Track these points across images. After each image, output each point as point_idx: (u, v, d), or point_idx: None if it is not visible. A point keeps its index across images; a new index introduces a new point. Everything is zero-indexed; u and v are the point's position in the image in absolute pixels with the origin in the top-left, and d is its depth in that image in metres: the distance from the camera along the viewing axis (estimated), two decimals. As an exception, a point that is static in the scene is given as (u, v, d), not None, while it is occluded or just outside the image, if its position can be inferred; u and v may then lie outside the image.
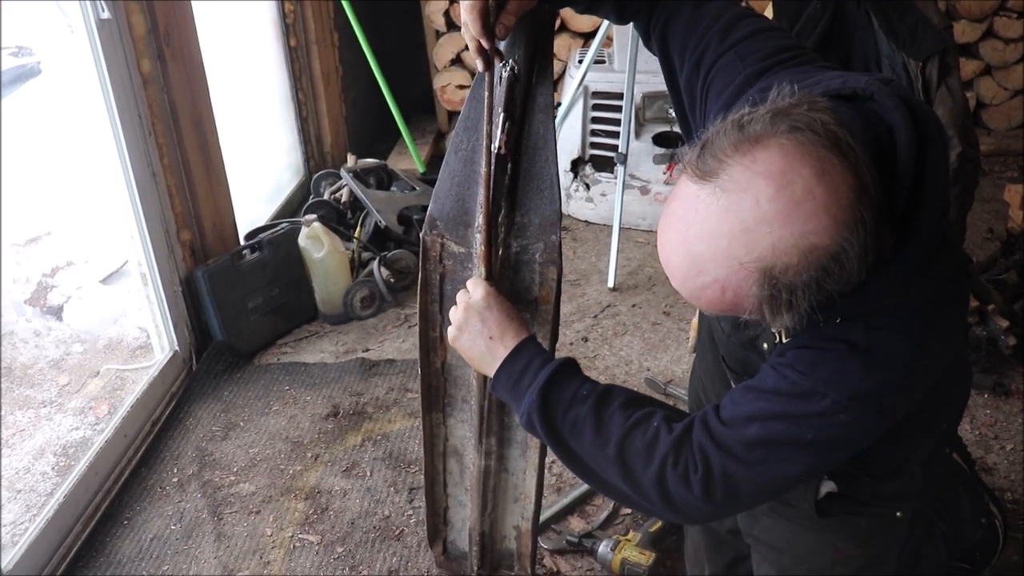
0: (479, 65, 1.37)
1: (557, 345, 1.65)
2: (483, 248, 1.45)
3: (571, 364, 1.32)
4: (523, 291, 1.53)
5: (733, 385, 1.45)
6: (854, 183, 0.96)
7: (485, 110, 1.42)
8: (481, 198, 1.44)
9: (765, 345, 1.29)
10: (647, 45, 1.40)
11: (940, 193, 1.05)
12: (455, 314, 1.38)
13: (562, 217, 1.48)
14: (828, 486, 1.41)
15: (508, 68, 1.37)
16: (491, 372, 1.34)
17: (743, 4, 1.37)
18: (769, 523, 1.53)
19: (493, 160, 1.41)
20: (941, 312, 1.13)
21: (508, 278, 1.52)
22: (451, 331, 1.38)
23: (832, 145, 0.97)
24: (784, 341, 1.20)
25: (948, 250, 1.14)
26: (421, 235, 1.56)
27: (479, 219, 1.47)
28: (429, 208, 1.53)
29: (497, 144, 1.39)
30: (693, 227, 1.00)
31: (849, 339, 1.10)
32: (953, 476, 1.77)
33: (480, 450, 1.70)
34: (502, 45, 1.38)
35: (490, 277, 1.44)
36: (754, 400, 1.16)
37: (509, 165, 1.44)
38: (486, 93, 1.41)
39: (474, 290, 1.38)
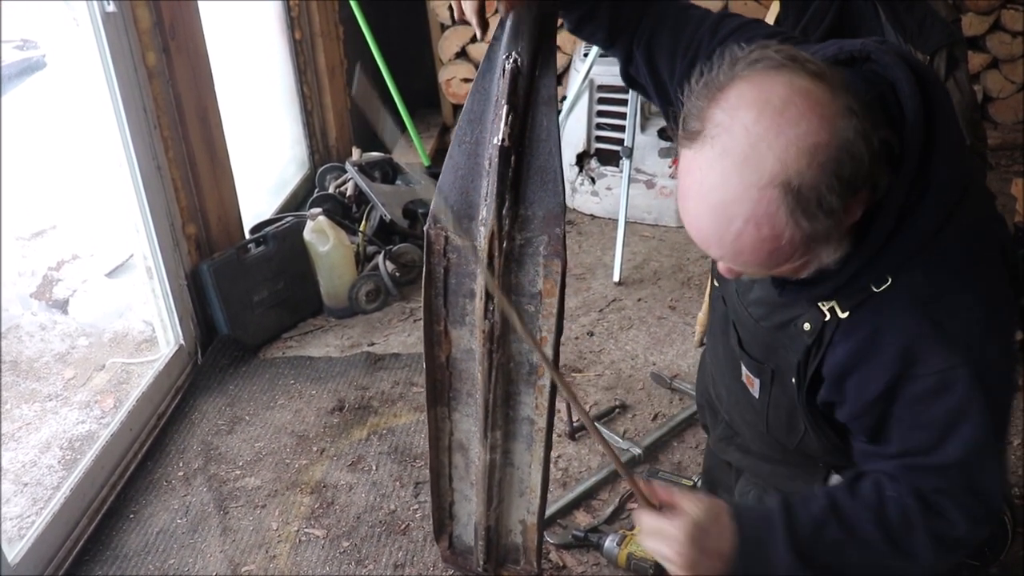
0: (478, 31, 1.39)
1: (562, 340, 1.65)
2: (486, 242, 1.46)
3: (786, 504, 1.23)
4: (527, 284, 1.53)
5: (747, 376, 1.43)
6: (825, 84, 1.00)
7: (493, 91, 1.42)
8: (484, 191, 1.45)
9: (807, 325, 1.24)
10: (628, 70, 1.43)
11: (953, 138, 1.08)
12: (675, 558, 1.21)
13: (566, 210, 1.48)
14: (837, 479, 1.41)
15: (511, 60, 1.37)
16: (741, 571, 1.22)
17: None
18: None
19: (497, 152, 1.41)
20: (979, 247, 1.14)
21: (512, 271, 1.52)
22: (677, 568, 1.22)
23: (790, 60, 1.01)
24: (838, 317, 1.18)
25: (975, 194, 1.15)
26: (425, 228, 1.56)
27: (483, 212, 1.47)
28: (433, 202, 1.53)
29: (501, 136, 1.39)
30: (704, 184, 1.03)
31: (919, 299, 1.11)
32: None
33: (485, 444, 1.70)
34: (505, 38, 1.38)
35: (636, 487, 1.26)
36: (926, 412, 1.14)
37: (513, 157, 1.43)
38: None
39: (673, 532, 1.20)
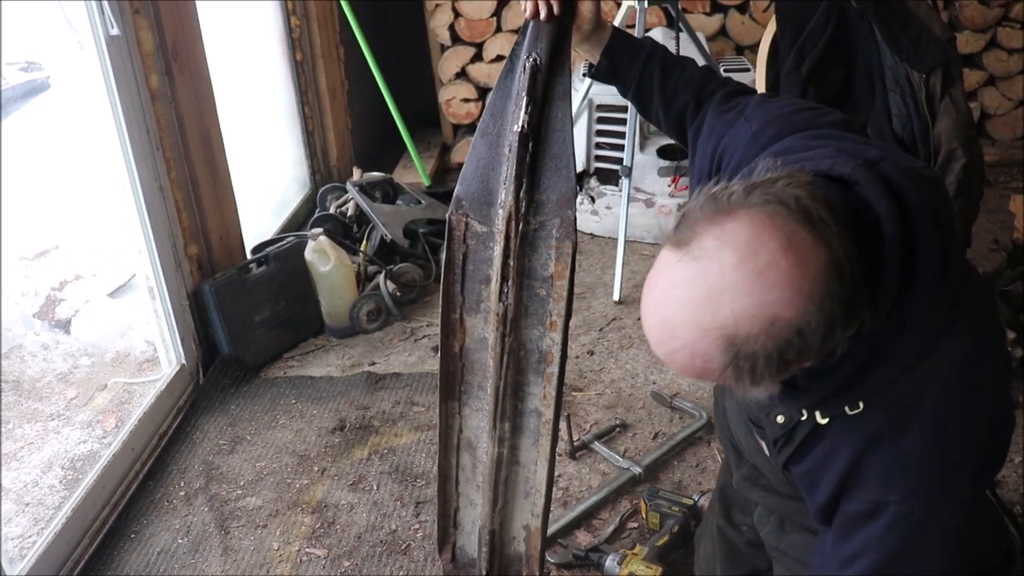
0: (528, 11, 1.53)
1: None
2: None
3: None
4: (539, 268, 1.62)
5: (756, 436, 1.47)
6: (825, 258, 0.98)
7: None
8: (503, 175, 1.57)
9: (780, 418, 1.30)
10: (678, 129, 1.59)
11: (936, 274, 1.06)
12: None
13: (577, 195, 1.60)
14: None
15: (531, 59, 1.53)
16: None
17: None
18: (799, 539, 1.54)
19: (517, 139, 1.54)
20: (960, 382, 1.14)
21: (526, 254, 1.61)
22: None
23: (803, 219, 0.99)
24: (815, 421, 1.22)
25: (968, 317, 1.15)
26: (447, 215, 1.65)
27: (501, 195, 1.58)
28: (456, 189, 1.64)
29: (520, 124, 1.53)
30: (666, 292, 1.04)
31: (873, 436, 1.15)
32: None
33: (494, 436, 1.73)
34: (526, 41, 1.56)
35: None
36: (852, 530, 1.21)
37: (531, 144, 1.56)
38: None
39: None
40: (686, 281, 1.01)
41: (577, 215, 1.61)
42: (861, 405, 1.15)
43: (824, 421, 1.20)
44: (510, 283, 1.62)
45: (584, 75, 3.80)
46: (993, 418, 1.18)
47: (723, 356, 1.01)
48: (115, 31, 2.47)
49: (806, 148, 1.18)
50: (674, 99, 1.55)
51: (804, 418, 1.24)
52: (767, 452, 1.43)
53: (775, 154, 1.19)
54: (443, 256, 1.68)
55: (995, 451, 1.21)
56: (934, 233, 1.05)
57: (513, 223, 1.57)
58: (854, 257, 1.00)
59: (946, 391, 1.12)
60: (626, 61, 1.58)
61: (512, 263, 1.60)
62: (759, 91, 2.46)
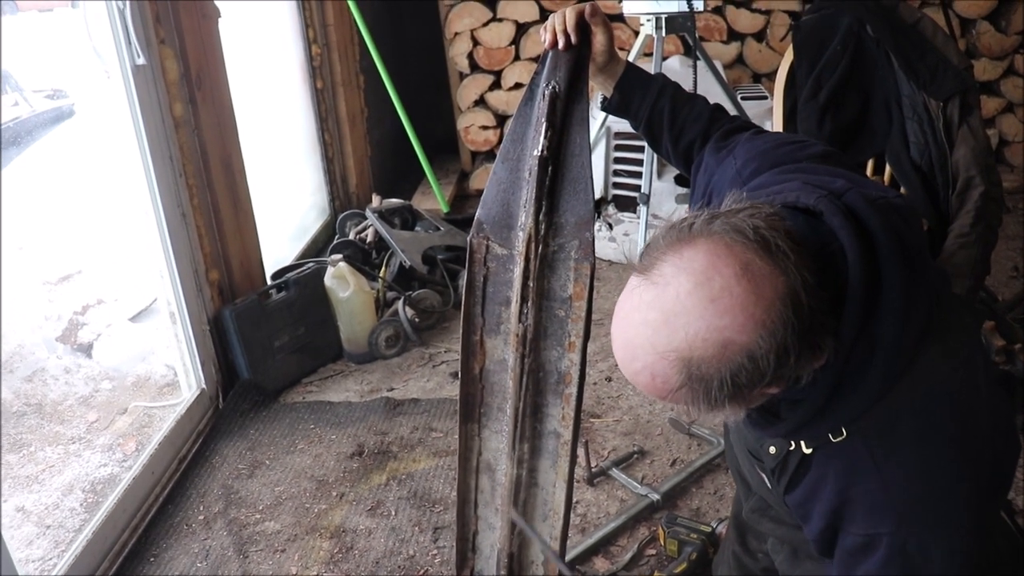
0: (547, 41, 1.60)
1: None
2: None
3: None
4: (559, 289, 1.65)
5: (757, 468, 1.48)
6: (781, 286, 1.00)
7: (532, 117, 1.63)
8: (523, 198, 1.61)
9: (772, 449, 1.33)
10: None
11: (901, 301, 1.07)
12: None
13: (595, 218, 1.61)
14: None
15: (550, 87, 1.58)
16: None
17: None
18: (812, 567, 1.53)
19: (537, 163, 1.59)
20: (942, 407, 1.14)
21: (545, 276, 1.64)
22: None
23: (761, 248, 1.02)
24: (804, 451, 1.24)
25: (945, 342, 1.15)
26: (468, 238, 1.69)
27: (521, 218, 1.62)
28: (477, 213, 1.68)
29: (540, 148, 1.58)
30: (628, 316, 1.08)
31: (857, 467, 1.16)
32: (992, 527, 1.75)
33: (513, 458, 1.74)
34: (545, 70, 1.61)
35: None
36: (853, 566, 1.21)
37: (550, 167, 1.60)
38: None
39: None
40: (645, 305, 1.05)
41: (595, 242, 1.63)
42: (844, 432, 1.16)
43: (808, 451, 1.22)
44: (530, 304, 1.65)
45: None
46: (984, 438, 1.17)
47: (678, 377, 1.04)
48: (141, 60, 2.51)
49: (778, 182, 1.22)
50: (682, 134, 1.59)
51: (792, 448, 1.26)
52: (768, 484, 1.44)
53: (751, 189, 1.24)
54: (463, 280, 1.72)
55: (997, 471, 1.20)
56: (899, 260, 1.06)
57: (533, 245, 1.61)
58: (813, 286, 1.02)
59: (926, 416, 1.13)
60: (638, 96, 1.62)
61: (532, 284, 1.63)
62: (776, 119, 2.48)
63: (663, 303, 1.03)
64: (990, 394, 1.21)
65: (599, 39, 1.59)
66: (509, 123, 1.68)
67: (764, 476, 1.45)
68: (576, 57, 1.61)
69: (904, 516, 1.14)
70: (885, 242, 1.06)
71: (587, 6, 1.58)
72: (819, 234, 1.07)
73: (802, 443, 1.23)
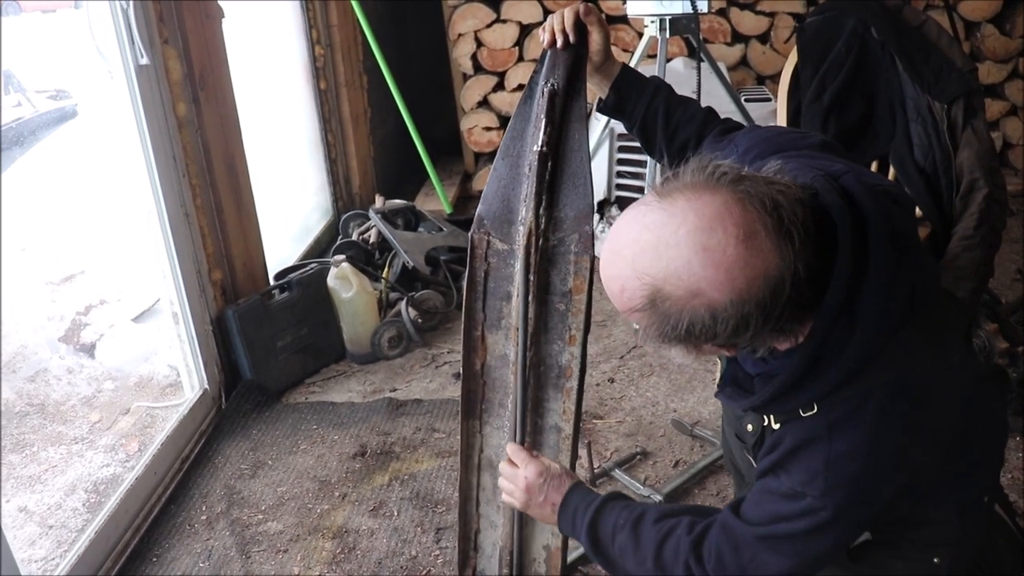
0: (546, 41, 1.63)
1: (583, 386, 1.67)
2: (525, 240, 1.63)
3: (611, 499, 1.44)
4: (559, 283, 1.67)
5: (746, 452, 1.51)
6: (772, 267, 1.03)
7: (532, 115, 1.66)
8: (524, 193, 1.64)
9: (750, 427, 1.39)
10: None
11: (887, 283, 1.09)
12: (516, 493, 1.54)
13: (594, 212, 1.67)
14: (862, 536, 1.41)
15: (549, 84, 1.61)
16: (557, 525, 1.52)
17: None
18: None
19: (536, 158, 1.62)
20: (908, 394, 1.15)
21: (545, 270, 1.66)
22: (517, 504, 1.56)
23: (772, 225, 1.03)
24: (773, 426, 1.27)
25: (928, 333, 1.17)
26: (469, 233, 1.71)
27: (522, 212, 1.64)
28: (478, 209, 1.71)
29: (540, 144, 1.60)
30: (628, 226, 1.12)
31: (813, 435, 1.17)
32: (994, 528, 1.74)
33: None
34: (544, 69, 1.64)
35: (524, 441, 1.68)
36: (766, 502, 1.24)
37: (549, 163, 1.62)
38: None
39: (525, 468, 1.53)
40: (646, 225, 1.09)
41: (598, 243, 1.64)
42: (815, 407, 1.17)
43: (777, 426, 1.25)
44: (531, 298, 1.66)
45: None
46: (944, 432, 1.20)
47: (642, 300, 1.09)
48: (144, 60, 2.51)
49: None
50: (677, 134, 1.61)
51: (765, 424, 1.30)
52: (755, 466, 1.44)
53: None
54: (465, 276, 1.73)
55: (950, 464, 1.23)
56: (889, 244, 1.08)
57: (533, 239, 1.63)
58: (802, 281, 1.04)
59: (889, 400, 1.14)
60: (633, 96, 1.64)
61: (532, 278, 1.65)
62: (780, 121, 2.47)
63: (661, 230, 1.06)
64: (975, 390, 1.24)
65: (595, 38, 1.61)
66: (509, 121, 1.71)
67: (752, 460, 1.47)
68: (574, 56, 1.63)
69: (831, 489, 1.16)
70: (876, 223, 1.08)
71: (582, 6, 1.61)
72: (814, 210, 1.10)
73: (772, 418, 1.27)
